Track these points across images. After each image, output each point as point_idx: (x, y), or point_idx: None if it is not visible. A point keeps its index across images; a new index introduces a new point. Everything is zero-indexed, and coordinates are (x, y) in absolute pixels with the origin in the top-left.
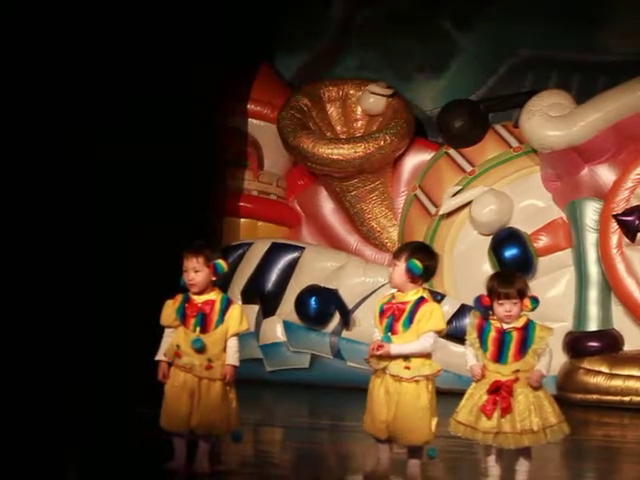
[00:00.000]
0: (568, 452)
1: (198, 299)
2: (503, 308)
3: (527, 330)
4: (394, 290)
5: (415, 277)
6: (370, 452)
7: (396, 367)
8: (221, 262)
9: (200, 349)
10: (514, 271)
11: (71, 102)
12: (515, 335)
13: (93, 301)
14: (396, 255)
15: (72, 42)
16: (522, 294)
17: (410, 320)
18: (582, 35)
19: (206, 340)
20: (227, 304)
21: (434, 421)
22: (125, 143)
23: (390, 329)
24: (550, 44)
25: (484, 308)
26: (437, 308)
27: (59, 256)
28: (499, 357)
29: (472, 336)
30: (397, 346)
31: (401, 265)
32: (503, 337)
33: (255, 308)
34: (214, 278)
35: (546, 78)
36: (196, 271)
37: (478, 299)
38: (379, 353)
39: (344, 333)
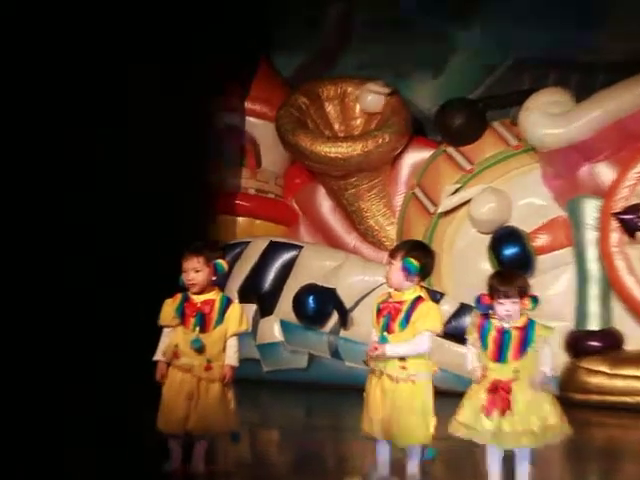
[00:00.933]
0: (569, 453)
1: (197, 299)
2: (503, 307)
3: (527, 329)
4: (391, 289)
5: (411, 275)
6: (369, 453)
7: (392, 367)
8: (221, 262)
9: (199, 349)
10: (515, 270)
11: (54, 96)
12: (515, 334)
13: (88, 303)
14: (392, 254)
15: (59, 26)
16: (522, 293)
17: (407, 320)
18: (580, 35)
19: (205, 340)
20: (227, 304)
21: (432, 421)
22: (119, 140)
23: (386, 328)
24: (548, 44)
25: (485, 307)
26: (434, 307)
27: (42, 257)
28: (499, 356)
29: (473, 336)
30: (392, 346)
31: (397, 264)
32: (503, 336)
33: (252, 307)
34: (214, 278)
35: (544, 77)
36: (196, 271)
37: (478, 298)
38: (375, 355)
39: (342, 332)
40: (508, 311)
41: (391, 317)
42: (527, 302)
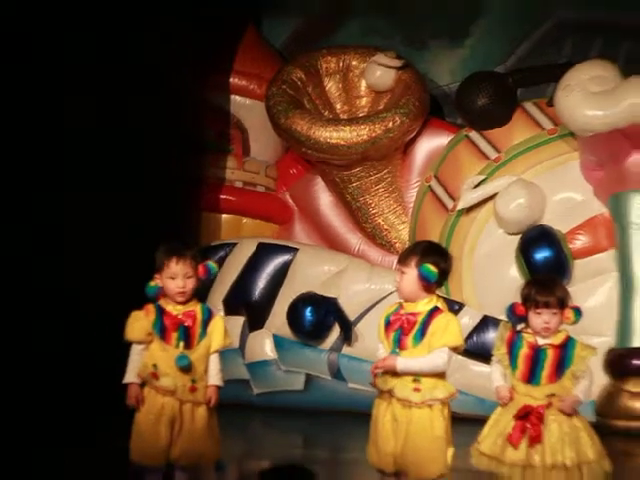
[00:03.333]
0: None
1: (175, 310)
2: (541, 319)
3: (566, 348)
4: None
5: (429, 284)
6: None
7: (404, 389)
8: (213, 263)
9: (186, 367)
10: (555, 277)
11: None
12: (551, 353)
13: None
14: (403, 260)
15: None
16: (563, 303)
17: (422, 334)
18: None
19: (190, 357)
20: (209, 315)
21: (450, 452)
22: (74, 123)
23: (398, 344)
24: (593, 5)
25: (518, 318)
26: (454, 320)
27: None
28: (531, 377)
29: (500, 351)
30: (405, 360)
31: (411, 272)
32: (537, 354)
33: (240, 320)
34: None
35: (588, 46)
36: (188, 277)
37: (512, 307)
38: (383, 365)
39: (345, 349)
40: (547, 323)
41: (403, 331)
42: (569, 314)
